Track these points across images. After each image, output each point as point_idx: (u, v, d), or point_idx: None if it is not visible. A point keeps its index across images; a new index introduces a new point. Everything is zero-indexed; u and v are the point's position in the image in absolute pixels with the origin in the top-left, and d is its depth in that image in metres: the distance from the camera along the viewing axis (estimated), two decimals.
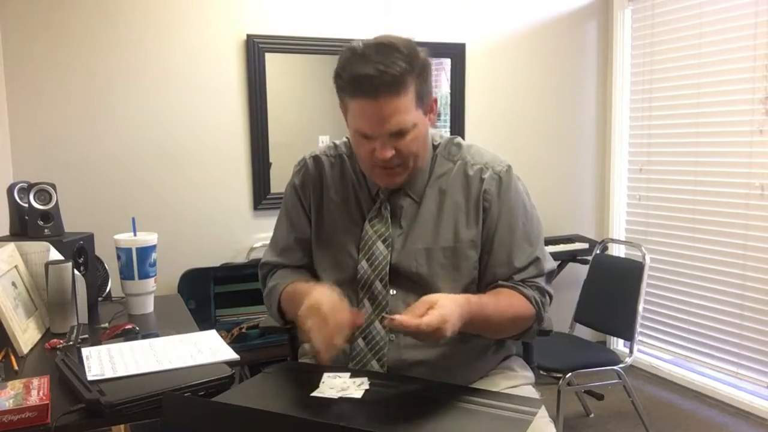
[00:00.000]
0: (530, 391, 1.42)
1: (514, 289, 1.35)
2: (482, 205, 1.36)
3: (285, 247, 1.50)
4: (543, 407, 1.21)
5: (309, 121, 3.09)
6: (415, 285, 1.34)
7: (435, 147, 1.42)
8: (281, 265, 1.50)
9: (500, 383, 1.41)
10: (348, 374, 1.23)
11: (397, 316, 1.14)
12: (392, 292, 1.36)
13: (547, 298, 1.39)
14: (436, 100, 1.36)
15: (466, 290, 1.34)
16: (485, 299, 1.30)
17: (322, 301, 1.21)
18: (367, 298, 1.37)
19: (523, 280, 1.36)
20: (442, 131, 2.76)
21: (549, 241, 3.22)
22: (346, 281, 1.39)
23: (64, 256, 1.67)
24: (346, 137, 1.46)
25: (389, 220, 1.38)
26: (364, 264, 1.37)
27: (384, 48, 1.23)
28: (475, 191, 1.36)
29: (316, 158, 1.48)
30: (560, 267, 3.31)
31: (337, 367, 1.29)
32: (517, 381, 1.44)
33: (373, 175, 1.36)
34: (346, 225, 1.42)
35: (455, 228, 1.36)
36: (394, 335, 1.33)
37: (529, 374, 1.50)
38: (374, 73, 1.20)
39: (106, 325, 1.65)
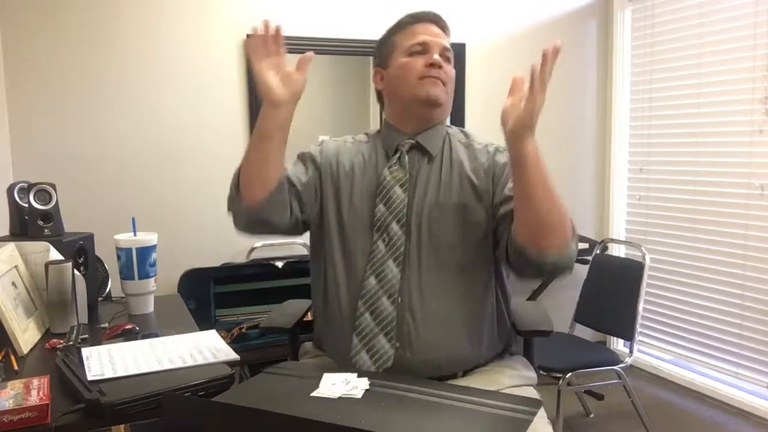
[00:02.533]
0: (531, 392, 1.43)
1: None
2: (493, 171, 1.43)
3: None
4: (542, 408, 1.21)
5: (309, 121, 3.08)
6: (429, 234, 1.39)
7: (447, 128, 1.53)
8: None
9: (502, 381, 1.41)
10: (348, 374, 1.23)
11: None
12: (408, 235, 1.39)
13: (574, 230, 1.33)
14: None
15: (480, 244, 1.40)
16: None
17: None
18: (381, 240, 1.40)
19: None
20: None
21: None
22: (360, 228, 1.42)
23: (64, 256, 1.67)
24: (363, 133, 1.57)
25: (407, 166, 1.43)
26: (381, 207, 1.42)
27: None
28: (485, 161, 1.45)
29: (334, 139, 1.60)
30: None
31: (337, 367, 1.30)
32: (518, 381, 1.44)
33: (422, 85, 1.42)
34: (364, 188, 1.46)
35: (468, 184, 1.42)
36: (399, 344, 1.35)
37: (532, 375, 1.51)
38: (432, 14, 1.48)
39: (106, 325, 1.65)
